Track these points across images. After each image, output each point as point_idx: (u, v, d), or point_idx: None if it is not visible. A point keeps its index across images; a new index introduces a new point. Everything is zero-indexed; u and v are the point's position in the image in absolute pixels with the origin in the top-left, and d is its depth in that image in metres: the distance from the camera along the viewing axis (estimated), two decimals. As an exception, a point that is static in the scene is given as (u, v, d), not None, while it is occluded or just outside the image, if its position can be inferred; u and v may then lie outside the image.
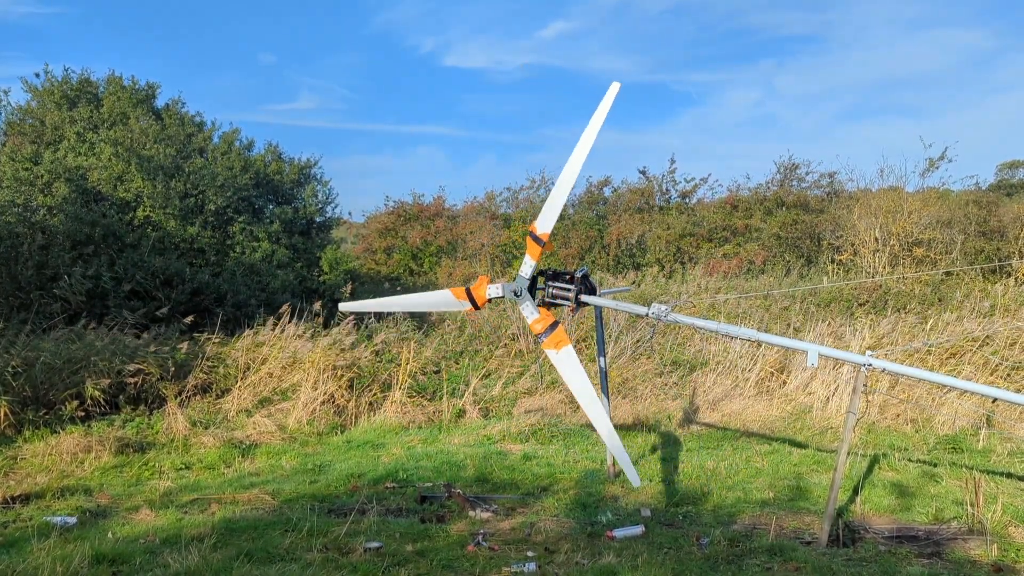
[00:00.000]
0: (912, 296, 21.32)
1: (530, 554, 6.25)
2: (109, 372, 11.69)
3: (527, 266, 7.10)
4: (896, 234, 25.66)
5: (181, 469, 9.35)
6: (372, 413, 12.00)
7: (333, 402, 12.11)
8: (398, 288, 23.43)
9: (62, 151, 18.67)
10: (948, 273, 25.21)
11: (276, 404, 11.85)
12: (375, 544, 6.34)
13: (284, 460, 9.71)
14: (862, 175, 47.76)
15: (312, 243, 20.99)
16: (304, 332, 13.44)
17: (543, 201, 30.40)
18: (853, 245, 26.11)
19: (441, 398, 12.30)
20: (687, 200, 30.15)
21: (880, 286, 22.08)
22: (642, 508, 7.39)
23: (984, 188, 29.44)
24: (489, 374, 13.52)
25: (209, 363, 12.56)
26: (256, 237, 18.94)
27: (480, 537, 6.56)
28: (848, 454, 6.41)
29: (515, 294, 7.15)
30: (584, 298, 7.15)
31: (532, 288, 7.23)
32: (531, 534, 6.76)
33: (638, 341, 14.55)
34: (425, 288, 24.44)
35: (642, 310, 6.85)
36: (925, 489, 7.83)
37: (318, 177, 21.89)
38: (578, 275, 7.21)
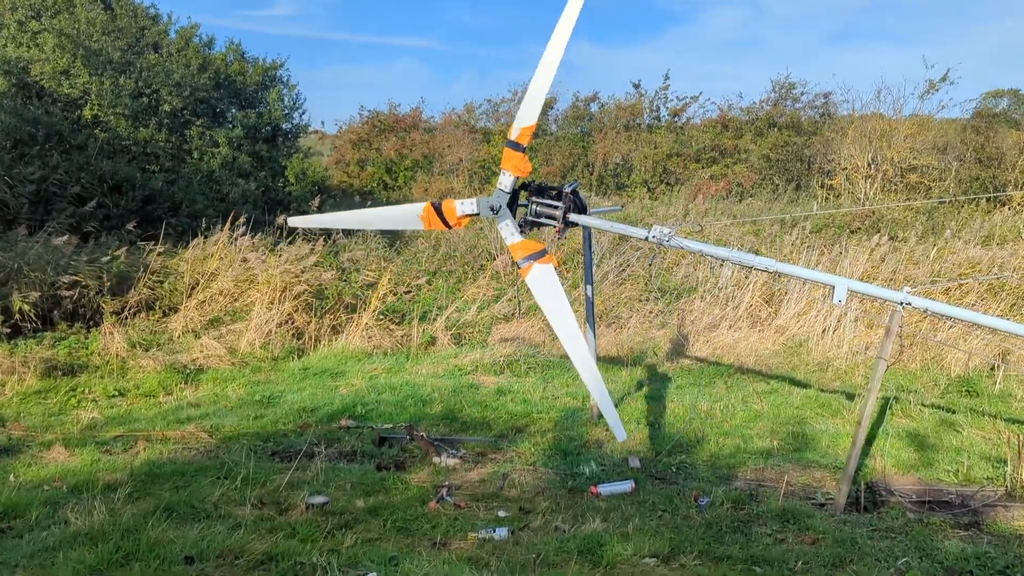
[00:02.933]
0: (906, 224, 20.41)
1: (502, 514, 5.35)
2: (41, 284, 10.55)
3: (506, 177, 5.99)
4: (890, 159, 24.67)
5: (113, 396, 8.34)
6: (335, 337, 10.98)
7: (291, 324, 11.09)
8: (368, 203, 22.19)
9: (1, 40, 17.01)
10: (943, 201, 24.41)
11: (228, 325, 10.80)
12: (320, 499, 5.41)
13: (231, 388, 8.72)
14: (858, 96, 46.14)
15: (278, 151, 19.62)
16: (260, 246, 12.32)
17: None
18: (845, 170, 25.11)
19: (410, 322, 11.32)
20: (677, 119, 28.82)
21: (873, 213, 21.17)
22: (630, 457, 6.50)
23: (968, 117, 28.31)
24: (463, 297, 12.54)
25: (155, 277, 11.43)
26: (215, 142, 17.54)
27: (444, 491, 5.64)
28: (873, 404, 5.50)
29: (492, 210, 6.07)
30: (573, 217, 6.08)
31: (513, 204, 6.14)
32: (503, 487, 5.87)
33: (622, 265, 13.59)
34: (398, 203, 23.22)
35: (641, 232, 5.82)
36: (946, 440, 7.01)
37: (284, 80, 20.34)
38: (567, 190, 6.13)
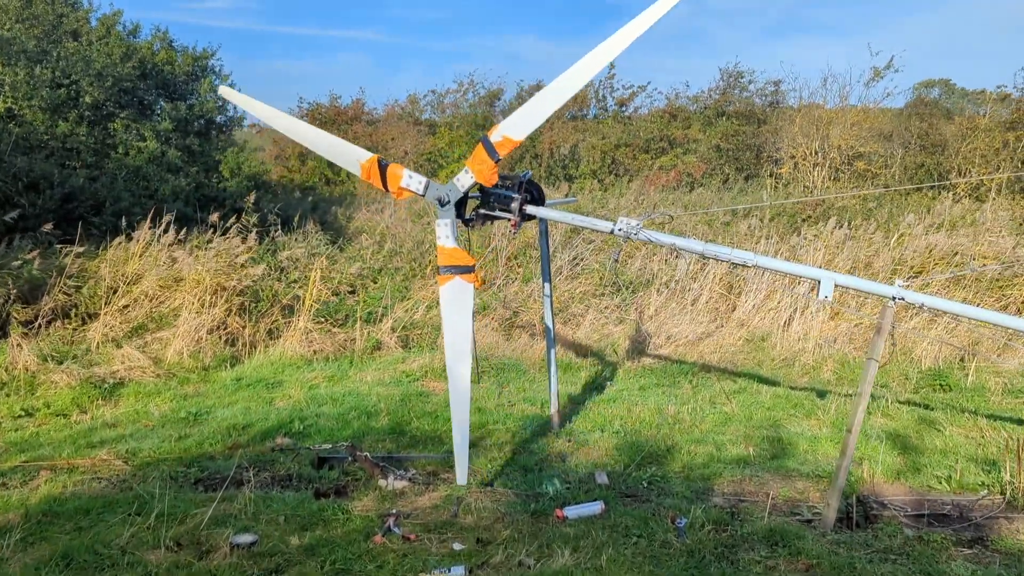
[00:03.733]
0: (855, 212, 20.27)
1: (457, 547, 4.71)
2: (-58, 294, 9.57)
3: (466, 176, 5.37)
4: (836, 147, 24.66)
5: (19, 417, 7.47)
6: (272, 343, 10.19)
7: (224, 330, 10.27)
8: (309, 198, 21.26)
9: (-100, 29, 15.72)
10: (887, 187, 24.46)
11: (153, 332, 9.94)
12: (247, 538, 4.70)
13: (154, 404, 7.90)
14: (806, 84, 46.48)
15: (211, 146, 18.57)
16: (189, 244, 11.45)
17: (472, 107, 27.91)
18: (793, 158, 25.01)
19: (354, 324, 10.58)
20: (624, 109, 28.43)
21: (823, 202, 21.03)
22: (597, 472, 5.90)
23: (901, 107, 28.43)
24: (411, 297, 11.83)
25: (72, 282, 10.49)
26: (142, 136, 16.46)
27: (391, 521, 4.98)
28: (864, 406, 4.99)
29: (440, 202, 5.43)
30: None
31: (462, 205, 5.52)
32: (458, 513, 5.22)
33: (576, 259, 13.04)
34: (342, 200, 22.36)
35: (606, 226, 5.23)
36: (929, 441, 6.58)
37: (216, 70, 19.27)
38: (523, 179, 5.51)
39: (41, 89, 14.92)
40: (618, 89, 27.93)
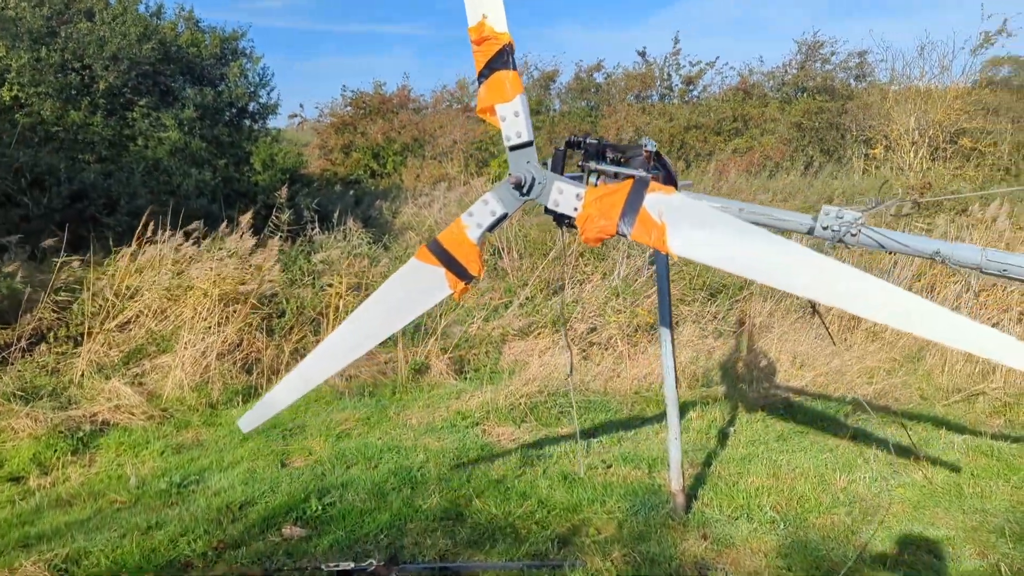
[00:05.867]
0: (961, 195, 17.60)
1: None
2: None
3: (517, 118, 3.37)
4: (938, 122, 21.91)
5: (-44, 485, 5.64)
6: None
7: (239, 352, 8.39)
8: (351, 192, 19.43)
9: None
10: (1005, 169, 21.76)
11: (152, 358, 8.10)
12: None
13: (137, 462, 6.01)
14: (899, 55, 42.66)
15: (241, 135, 16.83)
16: (206, 245, 9.60)
17: (527, 89, 26.15)
18: (887, 137, 22.37)
19: (396, 343, 8.61)
20: (691, 88, 26.02)
21: (931, 184, 18.44)
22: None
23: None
24: (464, 304, 9.81)
25: (67, 296, 8.72)
26: (163, 125, 14.75)
27: None
28: None
29: (520, 188, 3.40)
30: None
31: (557, 169, 3.50)
32: None
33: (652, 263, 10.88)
34: (388, 193, 20.45)
35: (801, 222, 3.12)
36: None
37: (247, 52, 17.51)
38: (650, 148, 3.46)
39: (48, 74, 13.27)
40: (684, 66, 25.54)
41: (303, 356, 8.16)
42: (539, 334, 8.84)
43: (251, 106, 17.48)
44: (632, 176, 3.27)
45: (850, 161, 22.99)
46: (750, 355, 8.20)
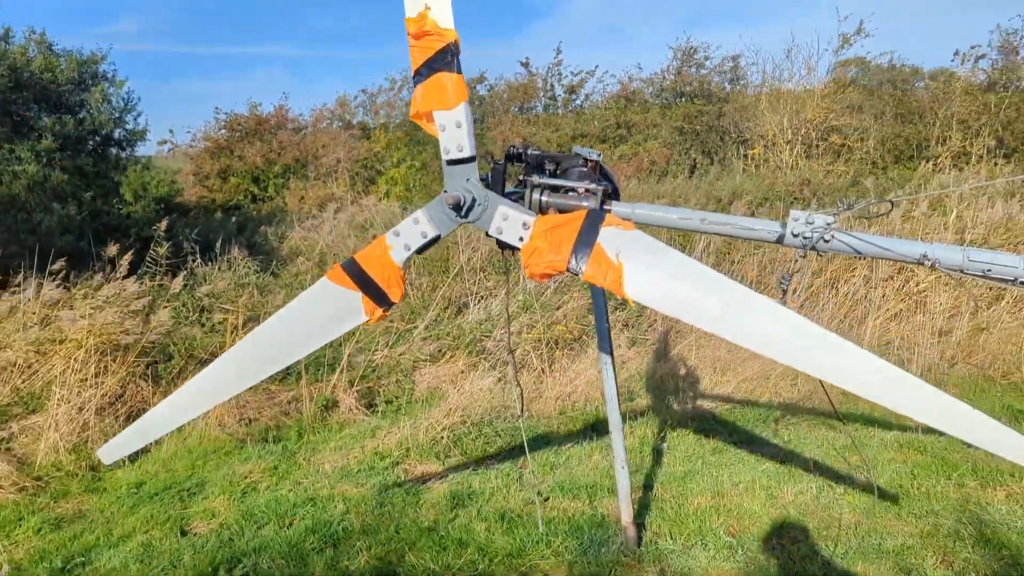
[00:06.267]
0: (838, 190, 18.38)
1: None
2: None
3: (459, 130, 2.92)
4: (809, 121, 22.89)
5: None
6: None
7: (122, 403, 7.58)
8: (233, 219, 18.45)
9: None
10: (872, 163, 22.79)
11: (20, 419, 7.20)
12: None
13: (5, 548, 5.21)
14: (769, 57, 45.08)
15: (108, 165, 15.63)
16: (76, 289, 8.69)
17: (407, 105, 25.42)
18: (763, 138, 23.14)
19: (298, 379, 8.01)
20: (574, 97, 26.19)
21: (808, 181, 19.12)
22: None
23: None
24: (365, 331, 9.26)
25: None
26: (19, 158, 13.50)
27: None
28: None
29: (458, 209, 2.97)
30: (621, 209, 3.02)
31: (497, 186, 3.08)
32: None
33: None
34: (272, 218, 19.53)
35: (769, 230, 2.83)
36: None
37: (109, 76, 16.30)
38: (594, 158, 3.11)
39: None
40: (566, 76, 25.68)
41: (195, 402, 7.54)
42: (451, 358, 8.40)
43: (116, 133, 16.26)
44: (585, 207, 2.91)
45: (731, 162, 23.61)
46: (669, 364, 8.02)
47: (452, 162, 2.95)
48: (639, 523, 4.65)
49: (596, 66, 34.52)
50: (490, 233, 2.99)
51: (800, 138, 22.64)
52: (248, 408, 7.66)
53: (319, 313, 3.30)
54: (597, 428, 6.59)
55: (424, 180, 22.01)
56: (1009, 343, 7.58)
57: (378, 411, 7.48)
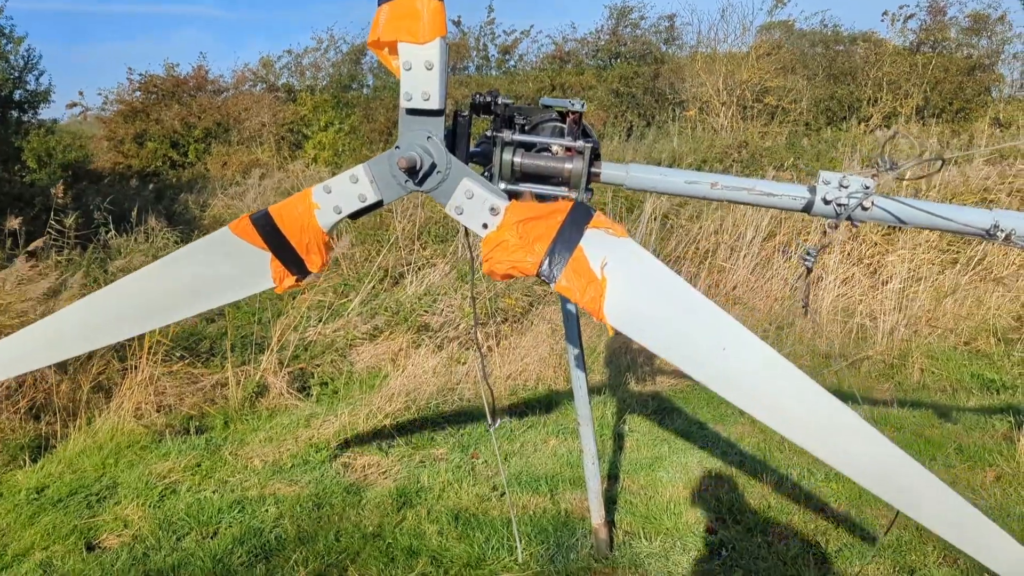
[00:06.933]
0: (776, 152, 18.33)
1: None
2: None
3: (429, 72, 2.34)
4: (744, 82, 22.78)
5: None
6: (101, 407, 6.80)
7: (22, 394, 6.80)
8: (151, 187, 17.33)
9: None
10: (806, 124, 22.80)
11: (-97, 417, 6.37)
12: None
13: None
14: (704, 16, 45.19)
15: (7, 129, 14.39)
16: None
17: (336, 66, 24.25)
18: (698, 100, 22.93)
19: (222, 359, 7.34)
20: (508, 57, 25.49)
21: (746, 143, 19.00)
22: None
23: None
24: (295, 306, 8.60)
25: None
26: (-98, 122, 12.25)
27: None
28: None
29: (413, 174, 2.39)
30: (609, 171, 2.50)
31: (461, 146, 2.50)
32: None
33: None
34: (193, 185, 18.47)
35: (794, 196, 2.34)
36: None
37: (6, 32, 14.96)
38: (576, 108, 2.56)
39: None
40: (499, 35, 24.95)
41: (107, 391, 6.83)
42: (390, 335, 7.83)
43: (16, 94, 14.98)
44: (569, 198, 2.36)
45: (667, 124, 23.33)
46: (621, 337, 7.59)
47: (414, 112, 2.38)
48: (609, 520, 4.22)
49: (531, 25, 33.84)
50: (447, 210, 2.43)
51: (736, 100, 22.50)
52: (167, 395, 6.98)
53: (213, 269, 2.68)
54: (551, 409, 6.14)
55: (353, 144, 21.16)
56: (971, 307, 7.41)
57: (312, 395, 6.87)
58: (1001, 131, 18.74)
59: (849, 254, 9.03)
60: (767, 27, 28.34)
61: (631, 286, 2.16)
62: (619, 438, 5.57)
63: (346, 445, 5.61)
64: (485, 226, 2.36)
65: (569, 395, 6.19)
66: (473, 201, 2.39)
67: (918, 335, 7.07)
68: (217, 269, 2.66)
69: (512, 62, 25.51)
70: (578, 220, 2.26)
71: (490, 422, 3.58)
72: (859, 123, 22.11)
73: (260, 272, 2.64)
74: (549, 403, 6.31)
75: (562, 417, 5.97)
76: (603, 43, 25.00)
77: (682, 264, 8.88)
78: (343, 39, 24.83)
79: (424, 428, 5.77)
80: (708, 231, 9.58)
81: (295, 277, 2.64)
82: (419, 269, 9.66)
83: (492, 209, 2.36)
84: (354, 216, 2.61)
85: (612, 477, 4.90)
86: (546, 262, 2.23)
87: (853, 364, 6.65)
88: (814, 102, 23.53)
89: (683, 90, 23.22)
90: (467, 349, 7.44)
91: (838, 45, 24.98)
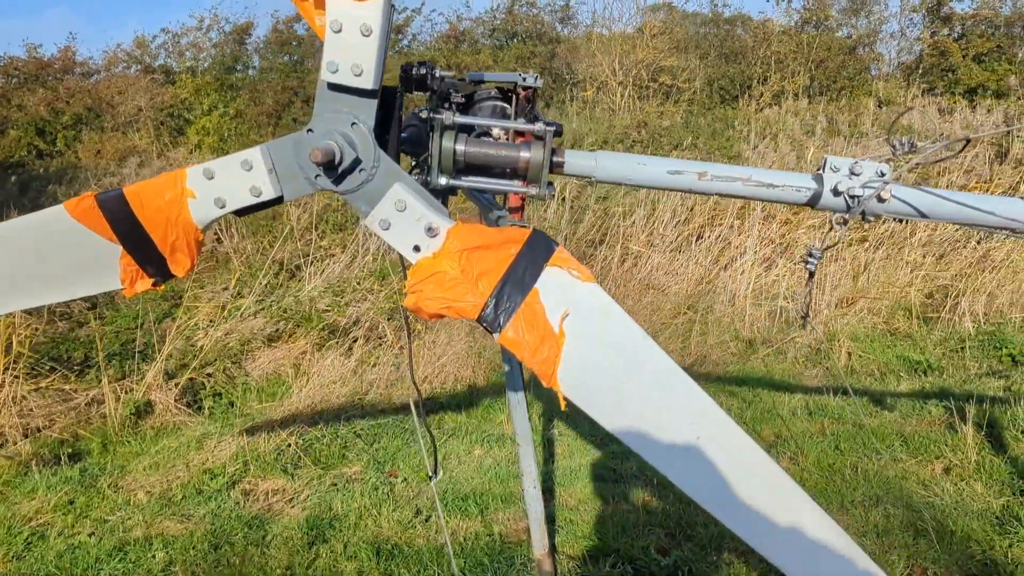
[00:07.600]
0: (674, 132, 18.44)
1: None
2: None
3: (365, 40, 1.81)
4: (639, 62, 22.84)
5: None
6: (-46, 433, 5.92)
7: None
8: (13, 179, 15.87)
9: None
10: (701, 104, 23.00)
11: None
12: None
13: None
14: None
15: None
16: None
17: (217, 47, 22.94)
18: (595, 80, 22.85)
19: (98, 372, 6.54)
20: (401, 36, 24.68)
21: (645, 123, 19.02)
22: None
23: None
24: (186, 311, 7.83)
25: None
26: None
27: None
28: None
29: (330, 168, 1.86)
30: (576, 158, 2.03)
31: (388, 133, 1.97)
32: None
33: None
34: (62, 176, 17.07)
35: (806, 185, 1.94)
36: None
37: None
38: (530, 83, 2.07)
39: None
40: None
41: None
42: (290, 337, 7.19)
43: None
44: (525, 227, 1.85)
45: (564, 105, 23.12)
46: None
47: (338, 88, 1.85)
48: (551, 547, 3.80)
49: (423, 3, 32.99)
50: (367, 222, 1.89)
51: (632, 79, 22.49)
52: (34, 416, 6.16)
53: (39, 257, 2.07)
54: (473, 413, 5.68)
55: (241, 129, 20.02)
56: (889, 286, 7.35)
57: (204, 410, 6.18)
58: (882, 108, 19.37)
59: (761, 237, 8.91)
60: (653, 8, 28.48)
61: (594, 349, 1.72)
62: (548, 444, 5.16)
63: (245, 469, 4.99)
64: (417, 249, 1.86)
65: (491, 394, 5.75)
66: (405, 215, 1.88)
67: (840, 318, 6.95)
68: (46, 258, 2.04)
69: (405, 41, 24.72)
70: (536, 255, 1.81)
71: (431, 473, 3.09)
72: (750, 100, 22.53)
73: (106, 268, 2.04)
74: (471, 404, 5.85)
75: (485, 422, 5.52)
76: (499, 23, 24.53)
77: (598, 249, 8.56)
78: (226, 19, 23.45)
79: (333, 443, 5.21)
80: (620, 214, 9.30)
81: (152, 281, 2.05)
82: (318, 260, 9.01)
83: (429, 229, 1.86)
84: (241, 213, 2.05)
85: (546, 491, 4.49)
86: (491, 305, 1.77)
87: (779, 350, 6.46)
88: (707, 81, 23.79)
89: (580, 70, 23.06)
90: (377, 347, 6.89)
91: (726, 26, 25.35)
